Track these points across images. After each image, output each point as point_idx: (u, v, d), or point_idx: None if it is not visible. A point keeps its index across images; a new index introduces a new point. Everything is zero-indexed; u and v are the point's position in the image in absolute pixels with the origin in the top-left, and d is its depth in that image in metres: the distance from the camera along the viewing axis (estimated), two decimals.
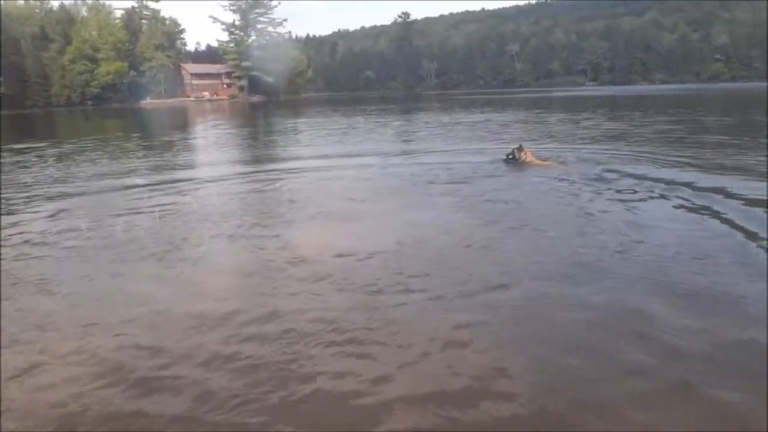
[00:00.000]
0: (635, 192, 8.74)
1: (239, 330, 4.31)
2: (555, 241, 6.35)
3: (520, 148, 11.19)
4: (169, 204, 9.25)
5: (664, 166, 11.15)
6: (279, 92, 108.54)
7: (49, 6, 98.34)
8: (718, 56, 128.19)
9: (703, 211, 7.45)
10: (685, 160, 11.86)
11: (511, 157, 11.04)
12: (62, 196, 10.37)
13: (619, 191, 8.85)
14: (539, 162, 11.17)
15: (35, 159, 17.18)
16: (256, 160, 15.85)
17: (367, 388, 3.48)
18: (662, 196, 8.39)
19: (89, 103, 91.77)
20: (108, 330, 4.38)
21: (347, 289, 5.08)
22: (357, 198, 9.32)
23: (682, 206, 7.80)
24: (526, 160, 10.99)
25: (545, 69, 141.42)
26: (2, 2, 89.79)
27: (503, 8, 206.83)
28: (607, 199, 8.33)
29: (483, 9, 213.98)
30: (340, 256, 6.05)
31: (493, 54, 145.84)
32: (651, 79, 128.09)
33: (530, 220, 7.29)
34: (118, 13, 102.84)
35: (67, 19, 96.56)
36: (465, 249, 6.21)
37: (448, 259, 5.86)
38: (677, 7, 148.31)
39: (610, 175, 10.19)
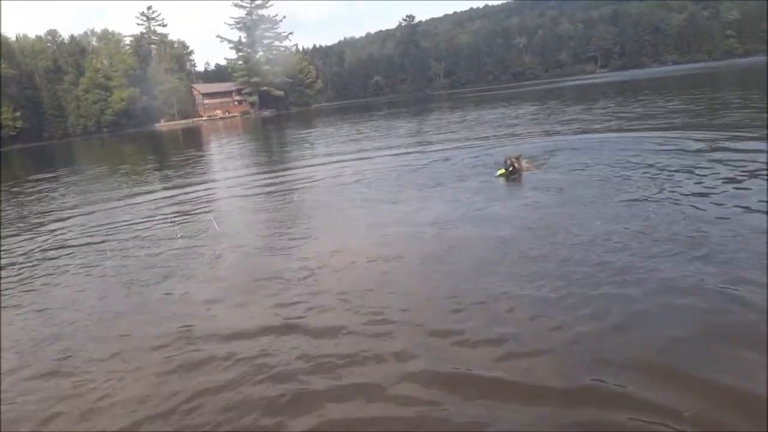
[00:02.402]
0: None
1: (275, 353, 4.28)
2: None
3: (518, 158, 9.60)
4: (189, 217, 9.31)
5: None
6: (290, 105, 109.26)
7: (60, 39, 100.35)
8: (729, 32, 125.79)
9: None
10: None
11: (511, 169, 9.35)
12: (78, 224, 10.47)
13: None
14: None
15: (57, 185, 17.47)
16: (271, 170, 15.87)
17: None
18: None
19: (105, 130, 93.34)
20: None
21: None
22: (379, 199, 9.25)
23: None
24: (523, 169, 9.57)
25: (554, 60, 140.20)
26: (15, 38, 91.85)
27: (507, 2, 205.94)
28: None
29: (486, 5, 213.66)
30: (373, 261, 6.03)
31: (500, 49, 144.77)
32: (662, 60, 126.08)
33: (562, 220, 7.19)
34: (128, 41, 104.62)
35: (78, 50, 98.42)
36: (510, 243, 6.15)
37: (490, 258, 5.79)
38: None
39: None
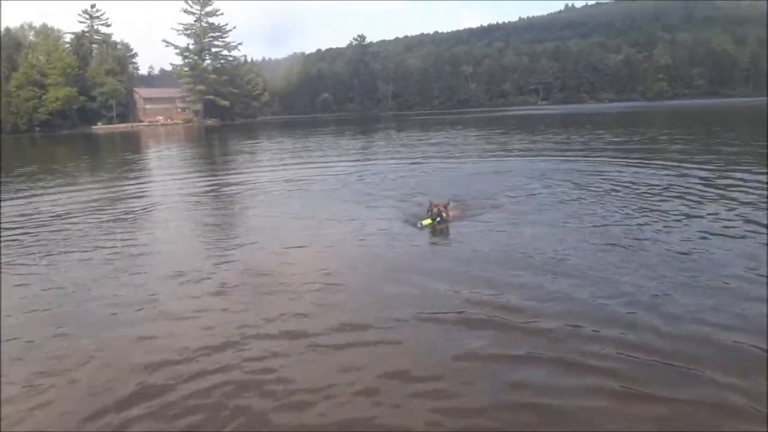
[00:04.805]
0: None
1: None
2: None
3: (446, 206, 8.30)
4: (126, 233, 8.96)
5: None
6: (235, 116, 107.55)
7: None
8: (661, 75, 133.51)
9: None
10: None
11: (438, 219, 8.05)
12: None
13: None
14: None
15: None
16: (210, 178, 15.54)
17: None
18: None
19: (37, 129, 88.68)
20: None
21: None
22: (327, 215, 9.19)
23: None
24: (450, 217, 8.32)
25: (498, 89, 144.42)
26: None
27: (456, 31, 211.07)
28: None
29: (436, 32, 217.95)
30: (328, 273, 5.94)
31: (447, 75, 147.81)
32: (599, 97, 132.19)
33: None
34: (68, 38, 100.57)
35: (13, 44, 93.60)
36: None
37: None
38: (620, 31, 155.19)
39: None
